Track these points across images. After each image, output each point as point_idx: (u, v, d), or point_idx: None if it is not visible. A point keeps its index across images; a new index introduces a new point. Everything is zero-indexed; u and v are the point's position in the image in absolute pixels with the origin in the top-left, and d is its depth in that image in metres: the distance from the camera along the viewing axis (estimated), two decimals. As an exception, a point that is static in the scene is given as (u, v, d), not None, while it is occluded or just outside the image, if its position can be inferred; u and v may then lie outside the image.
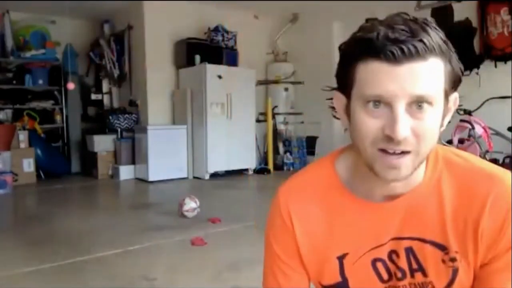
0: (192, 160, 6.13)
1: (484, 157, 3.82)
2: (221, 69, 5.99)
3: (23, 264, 2.59)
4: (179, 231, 3.32)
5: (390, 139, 0.62)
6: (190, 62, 6.01)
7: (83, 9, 6.28)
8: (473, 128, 3.89)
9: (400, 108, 0.62)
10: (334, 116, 0.79)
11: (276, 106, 6.83)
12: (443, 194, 0.71)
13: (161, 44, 6.15)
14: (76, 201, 5.07)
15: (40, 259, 2.65)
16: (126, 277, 2.38)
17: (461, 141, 4.06)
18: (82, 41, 6.94)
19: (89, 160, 6.35)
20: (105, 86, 6.91)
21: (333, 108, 0.78)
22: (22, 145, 5.82)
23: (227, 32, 6.26)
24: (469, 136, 4.03)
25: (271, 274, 0.85)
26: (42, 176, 6.14)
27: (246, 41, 6.51)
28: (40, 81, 6.43)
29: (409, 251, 0.73)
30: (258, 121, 6.75)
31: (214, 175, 6.07)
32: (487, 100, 4.69)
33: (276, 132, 6.85)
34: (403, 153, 0.64)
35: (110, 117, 6.09)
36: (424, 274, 0.73)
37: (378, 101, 0.63)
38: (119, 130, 6.18)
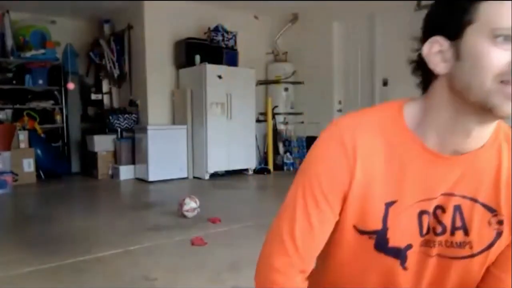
0: (192, 160, 6.13)
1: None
2: (221, 69, 5.99)
3: (23, 264, 2.59)
4: (179, 231, 3.32)
5: None
6: (190, 62, 6.01)
7: (83, 9, 6.28)
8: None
9: None
10: (414, 72, 0.77)
11: (276, 106, 6.83)
12: (502, 161, 0.74)
13: (161, 44, 6.15)
14: (76, 201, 5.07)
15: (40, 259, 2.65)
16: (126, 277, 2.38)
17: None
18: (82, 41, 6.94)
19: (89, 160, 6.35)
20: (105, 86, 6.91)
21: (415, 62, 0.76)
22: (22, 145, 5.82)
23: (227, 32, 6.26)
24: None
25: (302, 205, 0.77)
26: (42, 176, 6.14)
27: (246, 41, 6.51)
28: (40, 81, 6.43)
29: (457, 208, 0.75)
30: (258, 121, 6.75)
31: (214, 175, 6.07)
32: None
33: (276, 132, 6.86)
34: None
35: (110, 117, 6.09)
36: (466, 233, 0.75)
37: (508, 36, 0.64)
38: (119, 130, 6.18)
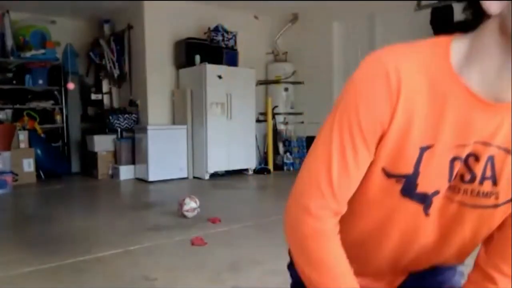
0: (192, 160, 6.13)
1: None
2: (221, 69, 5.99)
3: (23, 264, 2.59)
4: (179, 231, 3.32)
5: None
6: (190, 62, 6.01)
7: (83, 9, 6.28)
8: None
9: None
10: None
11: (276, 106, 6.83)
12: None
13: (161, 44, 6.15)
14: (76, 201, 5.07)
15: (40, 259, 2.65)
16: (126, 277, 2.38)
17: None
18: (82, 41, 6.94)
19: (89, 160, 6.35)
20: (105, 86, 6.91)
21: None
22: (22, 145, 5.82)
23: (227, 32, 6.26)
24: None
25: (338, 144, 0.73)
26: (42, 176, 6.14)
27: (246, 41, 6.51)
28: (40, 81, 6.43)
29: (491, 158, 0.72)
30: (258, 121, 6.75)
31: (214, 175, 6.07)
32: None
33: (276, 132, 6.86)
34: None
35: (110, 117, 6.09)
36: (494, 184, 0.73)
37: None
38: (119, 130, 6.18)
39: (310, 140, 6.71)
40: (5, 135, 5.51)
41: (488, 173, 0.73)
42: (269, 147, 6.74)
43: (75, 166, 6.79)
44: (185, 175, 6.05)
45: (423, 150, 0.71)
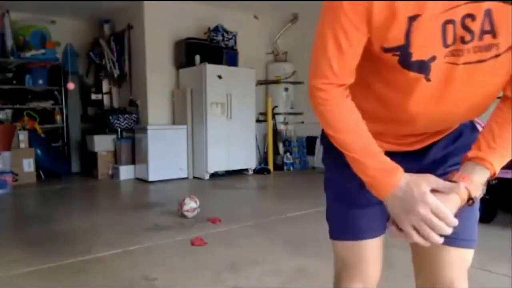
0: (192, 160, 6.13)
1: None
2: (221, 69, 5.99)
3: (23, 264, 2.59)
4: (179, 231, 3.32)
5: None
6: (190, 62, 6.01)
7: (83, 9, 6.28)
8: (473, 128, 3.89)
9: None
10: None
11: (276, 106, 6.83)
12: None
13: (161, 44, 6.15)
14: (76, 201, 5.06)
15: (40, 259, 2.65)
16: (126, 277, 2.38)
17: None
18: (82, 41, 6.94)
19: (89, 160, 6.35)
20: (105, 86, 6.91)
21: None
22: (22, 145, 5.82)
23: (227, 32, 6.26)
24: (469, 136, 4.03)
25: (330, 33, 0.81)
26: (42, 176, 6.14)
27: (246, 41, 6.51)
28: (40, 81, 6.43)
29: (487, 13, 0.73)
30: (258, 121, 6.75)
31: (214, 175, 6.07)
32: (487, 100, 4.69)
33: (276, 132, 6.85)
34: None
35: (110, 117, 6.09)
36: (494, 36, 0.74)
37: None
38: (119, 130, 6.18)
39: (310, 140, 6.71)
40: (5, 135, 5.52)
41: (487, 27, 0.74)
42: (269, 147, 6.74)
43: (75, 166, 6.79)
44: (185, 175, 6.05)
45: (410, 19, 0.74)
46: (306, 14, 6.76)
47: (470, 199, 0.74)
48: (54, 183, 5.83)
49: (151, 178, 5.74)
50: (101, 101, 6.93)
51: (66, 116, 6.71)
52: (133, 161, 6.14)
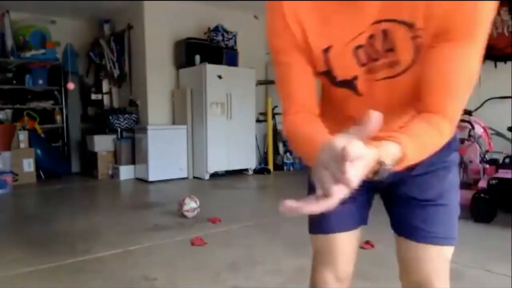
0: (192, 160, 6.13)
1: (484, 157, 3.83)
2: (221, 69, 5.99)
3: (23, 264, 2.59)
4: (179, 231, 3.32)
5: None
6: (190, 62, 6.01)
7: (83, 9, 6.28)
8: (473, 128, 3.89)
9: None
10: None
11: (276, 106, 6.82)
12: None
13: (161, 44, 6.15)
14: (76, 201, 5.06)
15: (40, 259, 2.65)
16: (126, 277, 2.38)
17: (461, 141, 4.06)
18: (82, 41, 6.94)
19: (89, 160, 6.35)
20: (105, 86, 6.91)
21: None
22: (22, 145, 5.82)
23: (227, 32, 6.26)
24: (469, 136, 4.03)
25: (279, 72, 0.95)
26: (42, 176, 6.14)
27: (246, 41, 6.51)
28: (40, 81, 6.43)
29: (385, 32, 0.82)
30: (258, 121, 6.75)
31: (214, 175, 6.07)
32: (487, 100, 4.69)
33: (276, 132, 6.85)
34: None
35: (110, 117, 6.09)
36: (394, 53, 0.84)
37: None
38: (119, 130, 6.18)
39: (310, 140, 6.70)
40: (5, 135, 5.52)
41: (388, 45, 0.83)
42: (269, 147, 6.74)
43: (75, 166, 6.79)
44: (185, 175, 6.05)
45: (325, 51, 0.88)
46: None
47: (380, 163, 0.69)
48: (54, 183, 5.83)
49: (151, 178, 5.74)
50: (101, 101, 6.93)
51: (66, 116, 6.71)
52: (133, 161, 6.14)
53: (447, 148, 0.93)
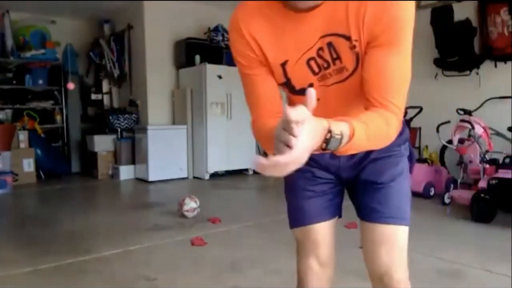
0: (192, 160, 6.13)
1: (484, 157, 3.83)
2: (221, 69, 5.99)
3: (23, 264, 2.59)
4: (179, 231, 3.33)
5: None
6: (190, 62, 6.01)
7: (83, 9, 6.28)
8: (473, 128, 3.89)
9: None
10: None
11: (276, 106, 6.83)
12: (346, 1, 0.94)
13: (161, 44, 6.15)
14: (76, 201, 5.06)
15: (40, 259, 2.65)
16: (126, 277, 2.38)
17: (461, 141, 4.06)
18: (82, 41, 6.94)
19: (89, 160, 6.35)
20: (105, 86, 6.91)
21: None
22: (22, 145, 5.82)
23: (227, 32, 6.22)
24: (469, 136, 4.03)
25: (245, 84, 1.13)
26: (42, 176, 6.14)
27: (246, 41, 6.51)
28: (40, 81, 6.43)
29: (330, 44, 0.98)
30: (258, 121, 6.74)
31: (214, 175, 6.07)
32: (487, 100, 4.69)
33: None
34: None
35: (110, 117, 6.09)
36: (340, 61, 0.99)
37: None
38: (119, 130, 6.18)
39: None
40: (5, 135, 5.52)
41: (334, 55, 0.99)
42: (269, 147, 6.72)
43: (75, 166, 6.79)
44: (185, 175, 6.05)
45: (282, 65, 1.03)
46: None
47: (329, 131, 0.81)
48: (54, 183, 5.83)
49: (151, 178, 5.74)
50: (101, 101, 6.93)
51: (66, 116, 6.71)
52: (133, 161, 6.14)
53: (398, 138, 1.10)
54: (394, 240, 1.15)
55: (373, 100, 0.96)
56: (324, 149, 0.83)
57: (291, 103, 1.14)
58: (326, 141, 0.81)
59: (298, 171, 0.96)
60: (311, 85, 1.04)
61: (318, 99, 0.98)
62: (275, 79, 1.07)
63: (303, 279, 1.30)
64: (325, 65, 1.01)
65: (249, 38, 1.03)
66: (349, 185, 1.26)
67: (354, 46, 0.96)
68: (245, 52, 1.05)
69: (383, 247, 1.15)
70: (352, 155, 1.15)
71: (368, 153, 1.16)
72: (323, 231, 1.26)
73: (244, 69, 1.09)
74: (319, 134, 0.79)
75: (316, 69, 1.02)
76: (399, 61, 0.95)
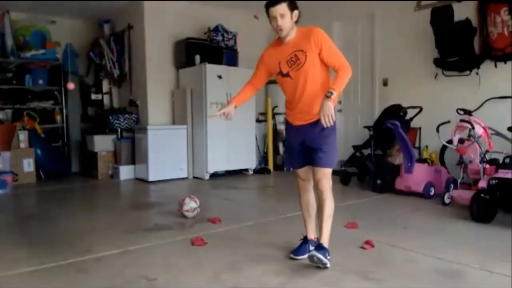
0: (192, 160, 6.13)
1: (484, 157, 3.82)
2: (221, 69, 5.99)
3: (23, 264, 2.59)
4: (179, 231, 3.33)
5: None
6: (190, 62, 6.01)
7: (83, 9, 6.29)
8: (473, 128, 3.89)
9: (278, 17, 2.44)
10: None
11: (276, 106, 6.82)
12: (301, 37, 2.49)
13: (161, 44, 6.15)
14: (76, 201, 5.06)
15: (40, 259, 2.65)
16: (126, 277, 2.38)
17: (461, 141, 4.06)
18: (82, 41, 6.94)
19: (89, 160, 6.35)
20: (105, 86, 6.91)
21: None
22: (22, 145, 5.82)
23: (227, 32, 6.26)
24: (469, 136, 4.03)
25: (255, 68, 2.75)
26: (42, 176, 6.15)
27: (246, 41, 6.51)
28: (40, 81, 6.43)
29: (295, 54, 2.46)
30: (258, 121, 6.75)
31: (214, 175, 6.07)
32: (487, 100, 4.69)
33: (276, 132, 6.85)
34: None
35: (110, 117, 6.09)
36: (299, 60, 2.45)
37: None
38: (119, 130, 6.18)
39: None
40: (5, 135, 5.52)
41: (296, 58, 2.47)
42: (269, 147, 6.74)
43: (75, 166, 6.79)
44: (185, 175, 6.05)
45: (278, 63, 2.53)
46: (306, 14, 6.74)
47: (330, 92, 2.32)
48: (54, 183, 5.83)
49: (151, 178, 5.74)
50: (101, 101, 6.94)
51: (66, 116, 6.71)
52: (133, 161, 6.14)
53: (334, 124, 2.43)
54: (326, 174, 2.53)
55: (335, 67, 2.44)
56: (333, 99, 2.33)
57: (281, 83, 2.59)
58: (329, 94, 2.32)
59: (291, 134, 2.69)
60: (288, 71, 2.50)
61: (292, 78, 2.51)
62: (273, 71, 2.60)
63: (298, 187, 2.73)
64: (293, 62, 2.47)
65: (265, 55, 2.67)
66: (306, 148, 2.58)
67: (306, 54, 2.43)
68: (263, 60, 2.67)
69: (321, 177, 2.52)
70: (309, 131, 2.54)
71: (316, 128, 2.50)
72: (302, 170, 2.68)
73: (258, 63, 2.70)
74: (335, 98, 2.34)
75: (290, 64, 2.48)
76: (334, 49, 2.47)
